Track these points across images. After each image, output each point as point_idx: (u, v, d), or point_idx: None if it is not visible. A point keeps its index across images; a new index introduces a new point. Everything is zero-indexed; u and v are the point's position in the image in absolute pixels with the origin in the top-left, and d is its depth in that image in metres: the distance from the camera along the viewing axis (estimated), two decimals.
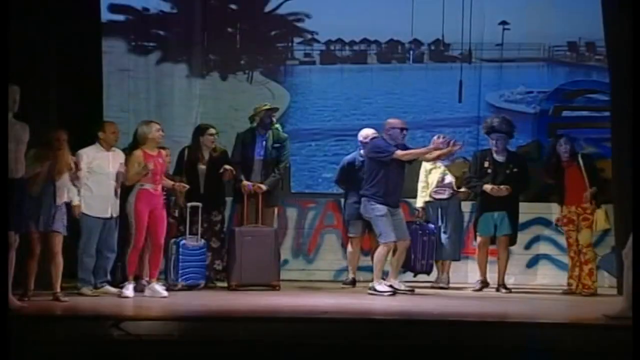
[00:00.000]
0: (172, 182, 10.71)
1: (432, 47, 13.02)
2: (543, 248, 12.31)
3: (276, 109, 11.75)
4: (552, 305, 10.34)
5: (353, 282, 11.79)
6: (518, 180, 11.26)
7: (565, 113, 12.84)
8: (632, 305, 8.11)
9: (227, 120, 12.47)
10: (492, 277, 11.42)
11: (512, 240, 11.36)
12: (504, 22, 12.72)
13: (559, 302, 10.53)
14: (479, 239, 11.34)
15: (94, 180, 10.28)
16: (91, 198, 10.28)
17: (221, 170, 11.17)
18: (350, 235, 11.84)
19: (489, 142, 11.38)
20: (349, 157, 11.81)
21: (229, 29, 13.18)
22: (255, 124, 11.55)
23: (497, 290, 11.18)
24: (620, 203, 10.72)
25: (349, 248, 11.92)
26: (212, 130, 11.39)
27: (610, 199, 11.13)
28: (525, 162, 11.66)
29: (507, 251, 11.36)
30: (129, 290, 10.20)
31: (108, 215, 10.33)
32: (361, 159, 11.61)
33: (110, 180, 10.33)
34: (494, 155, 11.32)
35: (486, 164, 11.27)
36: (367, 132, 11.67)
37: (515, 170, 11.27)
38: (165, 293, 10.31)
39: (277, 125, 11.67)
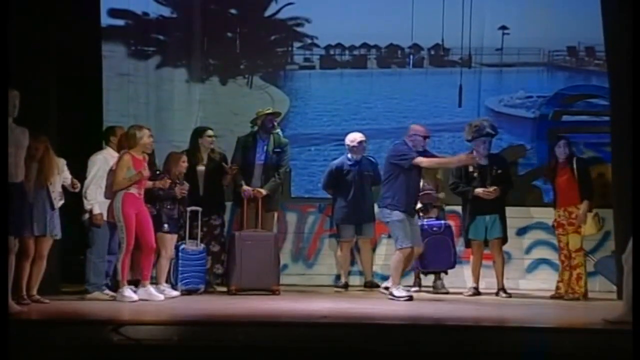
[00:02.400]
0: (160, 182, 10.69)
1: (432, 52, 13.03)
2: (543, 252, 12.30)
3: (278, 114, 11.78)
4: (552, 309, 10.33)
5: (346, 286, 11.85)
6: (503, 181, 11.26)
7: (564, 117, 12.84)
8: (632, 310, 8.11)
9: (227, 124, 12.47)
10: (491, 282, 11.43)
11: (504, 241, 11.36)
12: (503, 27, 12.72)
13: (559, 307, 10.52)
14: (473, 243, 11.31)
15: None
16: (106, 202, 10.32)
17: (225, 173, 11.17)
18: (341, 239, 11.89)
19: (475, 146, 11.20)
20: (336, 162, 11.88)
21: (229, 34, 13.19)
22: (256, 128, 11.57)
23: (497, 294, 11.18)
24: (620, 207, 10.72)
25: (339, 252, 11.98)
26: (210, 132, 11.42)
27: (601, 204, 11.20)
28: (507, 162, 11.69)
29: (502, 254, 11.35)
30: (131, 293, 10.21)
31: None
32: (349, 163, 11.70)
33: None
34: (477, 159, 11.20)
35: (471, 168, 11.24)
36: (354, 136, 11.76)
37: (499, 171, 11.27)
38: (161, 297, 10.33)
39: (278, 130, 11.69)
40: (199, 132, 11.46)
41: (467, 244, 11.43)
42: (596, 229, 11.17)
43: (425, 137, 10.89)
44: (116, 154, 10.43)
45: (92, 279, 10.38)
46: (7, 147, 8.56)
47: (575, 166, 11.04)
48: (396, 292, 10.64)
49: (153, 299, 10.24)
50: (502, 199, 11.30)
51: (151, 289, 10.36)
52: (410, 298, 10.63)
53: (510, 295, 11.12)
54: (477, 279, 11.33)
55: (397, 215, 10.62)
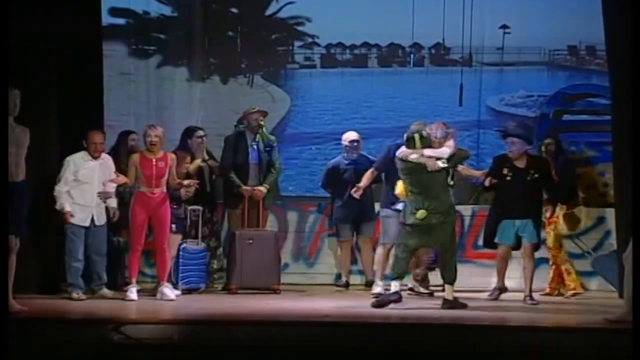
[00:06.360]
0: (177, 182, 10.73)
1: (433, 51, 13.02)
2: (543, 252, 12.26)
3: (265, 112, 11.67)
4: (552, 309, 10.33)
5: (347, 285, 11.89)
6: (541, 185, 10.75)
7: (565, 117, 12.83)
8: (632, 309, 8.12)
9: (228, 123, 12.41)
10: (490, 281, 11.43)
11: (537, 247, 10.93)
12: (504, 26, 12.71)
13: (559, 306, 10.52)
14: (500, 248, 10.81)
15: (77, 189, 10.32)
16: (72, 206, 10.31)
17: (186, 183, 11.00)
18: (340, 239, 11.92)
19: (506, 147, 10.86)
20: (333, 161, 11.91)
21: (230, 33, 13.18)
22: (242, 128, 11.52)
23: (524, 301, 10.60)
24: (621, 206, 10.72)
25: (339, 251, 12.02)
26: (200, 132, 11.39)
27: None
28: (549, 166, 11.08)
29: (534, 260, 10.83)
30: (132, 293, 10.28)
31: (87, 224, 10.36)
32: (346, 162, 11.76)
33: (94, 190, 10.35)
34: (513, 160, 10.77)
35: (505, 170, 10.73)
36: (347, 136, 11.84)
37: (536, 176, 10.69)
38: (173, 296, 10.37)
39: (264, 128, 11.62)
40: (188, 132, 11.44)
41: (487, 245, 11.06)
42: (567, 229, 11.10)
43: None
44: (89, 158, 10.39)
45: (69, 278, 10.41)
46: (7, 147, 8.57)
47: (558, 166, 11.03)
48: (373, 288, 10.98)
49: (165, 299, 10.32)
50: (537, 204, 10.80)
51: (165, 289, 10.43)
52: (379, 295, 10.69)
53: (537, 303, 10.58)
54: (502, 280, 10.90)
55: (385, 212, 10.99)
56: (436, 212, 9.90)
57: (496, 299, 10.84)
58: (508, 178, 10.71)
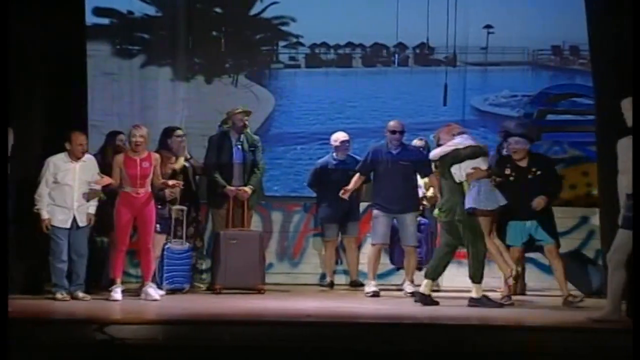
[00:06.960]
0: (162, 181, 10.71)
1: (417, 51, 13.04)
2: (528, 251, 12.27)
3: (249, 112, 11.69)
4: (538, 308, 10.34)
5: (331, 285, 11.90)
6: (544, 183, 10.49)
7: (549, 117, 12.87)
8: (633, 309, 8.15)
9: (212, 123, 12.43)
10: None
11: (557, 245, 10.64)
12: (488, 26, 12.75)
13: (545, 306, 10.53)
14: (512, 250, 10.49)
15: (57, 190, 10.28)
16: (52, 208, 10.28)
17: (171, 183, 10.96)
18: (325, 238, 11.92)
19: (506, 147, 10.64)
20: (321, 161, 11.94)
21: (214, 33, 13.18)
22: (226, 128, 11.54)
23: (564, 303, 10.28)
24: (605, 206, 10.72)
25: (323, 251, 12.06)
26: (178, 132, 11.37)
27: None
28: (552, 163, 11.00)
29: (560, 259, 10.52)
30: (117, 293, 10.28)
31: (68, 226, 10.30)
32: (334, 162, 11.78)
33: (74, 192, 10.31)
34: (516, 160, 10.56)
35: (507, 171, 10.52)
36: (337, 136, 11.85)
37: (539, 173, 10.49)
38: (157, 296, 10.36)
39: (248, 129, 11.63)
40: (167, 133, 11.42)
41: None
42: None
43: (393, 132, 10.96)
44: (69, 160, 10.36)
45: (53, 279, 10.37)
46: (7, 147, 8.57)
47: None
48: (366, 288, 11.08)
49: (149, 299, 10.32)
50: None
51: (149, 289, 10.42)
52: (374, 294, 10.92)
53: (571, 304, 10.25)
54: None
55: (374, 213, 11.16)
56: (444, 211, 10.18)
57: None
58: (511, 178, 10.54)
